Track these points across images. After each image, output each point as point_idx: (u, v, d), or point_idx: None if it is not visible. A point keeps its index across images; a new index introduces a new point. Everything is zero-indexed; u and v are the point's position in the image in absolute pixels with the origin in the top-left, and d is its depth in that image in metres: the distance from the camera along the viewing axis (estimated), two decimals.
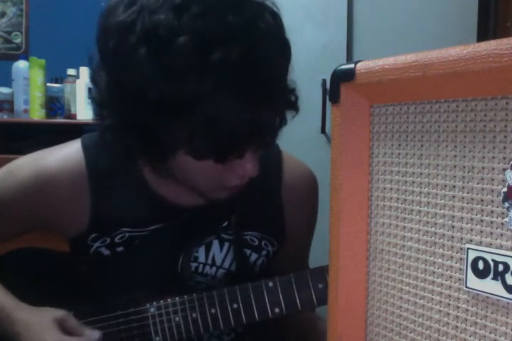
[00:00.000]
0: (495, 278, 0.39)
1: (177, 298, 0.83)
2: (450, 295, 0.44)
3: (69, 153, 0.86)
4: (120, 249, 0.86)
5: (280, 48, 0.72)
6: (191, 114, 0.66)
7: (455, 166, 0.43)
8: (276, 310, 0.82)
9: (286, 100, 0.75)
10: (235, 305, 0.82)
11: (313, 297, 0.82)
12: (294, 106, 0.76)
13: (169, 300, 0.83)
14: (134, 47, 0.65)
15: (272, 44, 0.69)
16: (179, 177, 0.78)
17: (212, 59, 0.64)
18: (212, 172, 0.75)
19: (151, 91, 0.66)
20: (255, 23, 0.68)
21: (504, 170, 0.39)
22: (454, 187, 0.43)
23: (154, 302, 0.83)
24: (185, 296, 0.83)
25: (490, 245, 0.40)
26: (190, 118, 0.66)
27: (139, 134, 0.71)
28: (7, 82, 2.50)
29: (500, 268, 0.39)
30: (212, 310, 0.82)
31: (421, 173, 0.46)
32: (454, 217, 0.43)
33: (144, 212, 0.86)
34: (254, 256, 0.92)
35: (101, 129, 0.77)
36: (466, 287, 0.42)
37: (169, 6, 0.65)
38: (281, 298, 0.82)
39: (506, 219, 0.39)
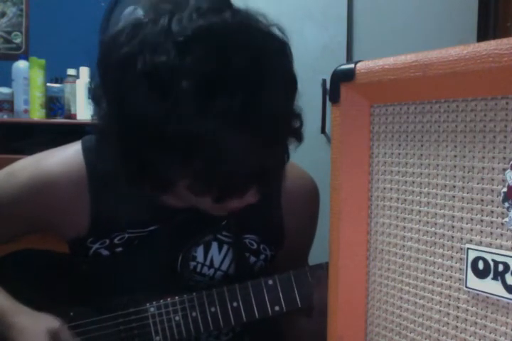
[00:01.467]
0: (495, 278, 0.39)
1: (177, 297, 0.83)
2: (450, 295, 0.44)
3: (69, 155, 0.86)
4: (119, 249, 0.86)
5: (286, 85, 0.69)
6: (190, 156, 0.65)
7: (455, 166, 0.43)
8: (276, 307, 0.82)
9: (290, 133, 0.73)
10: (235, 304, 0.82)
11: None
12: (298, 137, 0.74)
13: (169, 299, 0.83)
14: (134, 84, 0.64)
15: (277, 84, 0.66)
16: (178, 198, 0.78)
17: (214, 105, 0.62)
18: (211, 203, 0.74)
19: (150, 129, 0.64)
20: (261, 64, 0.65)
21: (504, 170, 0.39)
22: (454, 187, 0.43)
23: (154, 302, 0.83)
24: (185, 295, 0.83)
25: (490, 245, 0.40)
26: (189, 159, 0.65)
27: (137, 165, 0.70)
28: (7, 82, 2.50)
29: (500, 268, 0.39)
30: (212, 309, 0.82)
31: (421, 173, 0.46)
32: (454, 217, 0.43)
33: (143, 214, 0.86)
34: (252, 260, 0.92)
35: (102, 151, 0.76)
36: (466, 287, 0.42)
37: (171, 43, 0.63)
38: (280, 295, 0.82)
39: (506, 219, 0.39)
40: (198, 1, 0.67)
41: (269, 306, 0.82)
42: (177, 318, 0.83)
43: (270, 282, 0.82)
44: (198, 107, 0.62)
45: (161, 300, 0.83)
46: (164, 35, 0.64)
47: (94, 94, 0.73)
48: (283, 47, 0.70)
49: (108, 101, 0.70)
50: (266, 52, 0.66)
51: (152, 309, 0.83)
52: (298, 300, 0.82)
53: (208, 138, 0.63)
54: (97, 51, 0.70)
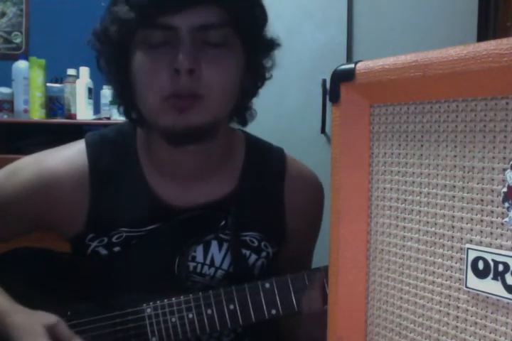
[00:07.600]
0: (495, 278, 0.39)
1: (173, 299, 0.83)
2: (450, 295, 0.44)
3: (72, 154, 0.86)
4: (117, 248, 0.86)
5: None
6: None
7: (455, 166, 0.43)
8: (273, 311, 0.82)
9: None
10: (232, 306, 0.82)
11: None
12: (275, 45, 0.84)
13: (166, 300, 0.83)
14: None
15: None
16: (140, 107, 0.81)
17: None
18: (151, 68, 0.77)
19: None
20: None
21: (504, 170, 0.39)
22: (454, 187, 0.43)
23: (151, 303, 0.83)
24: (182, 297, 0.83)
25: (490, 245, 0.40)
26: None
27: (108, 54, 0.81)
28: (7, 82, 2.50)
29: (500, 268, 0.39)
30: (209, 311, 0.82)
31: (421, 173, 0.46)
32: (454, 217, 0.43)
33: (142, 212, 0.86)
34: (253, 257, 0.92)
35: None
36: (466, 287, 0.42)
37: None
38: (277, 299, 0.82)
39: (506, 219, 0.39)
40: None
41: (265, 309, 0.82)
42: (173, 320, 0.82)
43: (267, 285, 0.82)
44: None
45: (158, 301, 0.83)
46: None
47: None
48: None
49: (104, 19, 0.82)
50: None
51: (149, 310, 0.83)
52: (295, 303, 0.82)
53: None
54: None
